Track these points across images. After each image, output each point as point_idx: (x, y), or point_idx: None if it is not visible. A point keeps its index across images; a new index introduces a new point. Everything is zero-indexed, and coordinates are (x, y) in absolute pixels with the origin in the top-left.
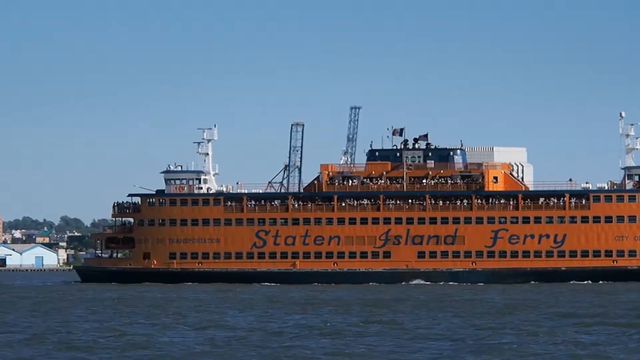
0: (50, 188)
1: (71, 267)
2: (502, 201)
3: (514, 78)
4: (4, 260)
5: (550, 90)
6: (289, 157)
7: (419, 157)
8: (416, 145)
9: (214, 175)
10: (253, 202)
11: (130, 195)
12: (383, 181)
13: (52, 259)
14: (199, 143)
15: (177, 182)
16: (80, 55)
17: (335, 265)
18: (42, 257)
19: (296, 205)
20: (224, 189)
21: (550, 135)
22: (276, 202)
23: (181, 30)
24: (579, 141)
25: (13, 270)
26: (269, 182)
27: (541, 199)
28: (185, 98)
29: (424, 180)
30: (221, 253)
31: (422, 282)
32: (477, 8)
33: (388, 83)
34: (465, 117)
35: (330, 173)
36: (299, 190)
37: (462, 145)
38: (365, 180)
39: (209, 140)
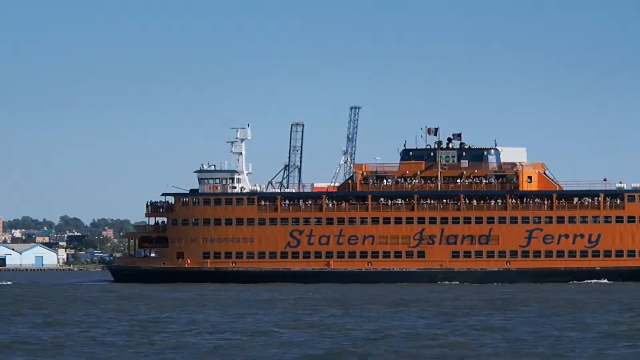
0: (51, 188)
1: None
2: (537, 201)
3: (522, 76)
4: (4, 259)
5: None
6: (289, 157)
7: (453, 156)
8: (450, 145)
9: (247, 174)
10: (287, 202)
11: (163, 194)
12: (417, 181)
13: (52, 259)
14: (232, 142)
15: (211, 181)
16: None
17: (369, 265)
18: (42, 256)
19: (330, 204)
20: (258, 189)
21: (565, 135)
22: (310, 202)
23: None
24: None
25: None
26: (269, 182)
27: (575, 199)
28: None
29: (458, 180)
30: (255, 253)
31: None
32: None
33: (390, 83)
34: (471, 114)
35: (364, 172)
36: (298, 190)
37: (496, 145)
38: (399, 179)
39: (242, 140)
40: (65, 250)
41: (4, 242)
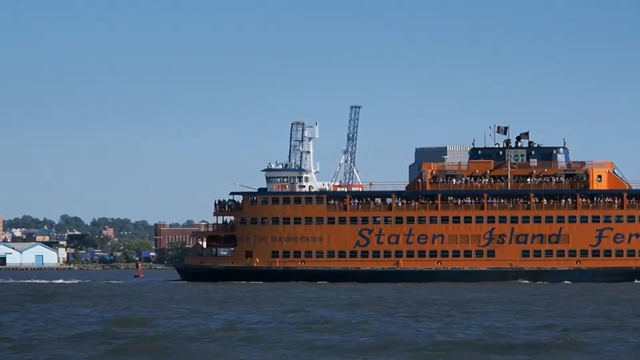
0: (52, 187)
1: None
2: (607, 200)
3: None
4: (4, 258)
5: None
6: (289, 156)
7: (522, 155)
8: (518, 144)
9: (314, 173)
10: (356, 201)
11: (232, 193)
12: (487, 179)
13: (52, 258)
14: (299, 141)
15: (279, 180)
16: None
17: (439, 264)
18: (42, 255)
19: (399, 203)
20: (327, 187)
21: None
22: (379, 201)
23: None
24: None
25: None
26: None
27: None
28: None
29: (528, 179)
30: (324, 252)
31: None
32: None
33: (393, 82)
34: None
35: (434, 171)
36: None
37: (565, 144)
38: (468, 178)
39: (310, 139)
40: (66, 250)
41: (5, 241)
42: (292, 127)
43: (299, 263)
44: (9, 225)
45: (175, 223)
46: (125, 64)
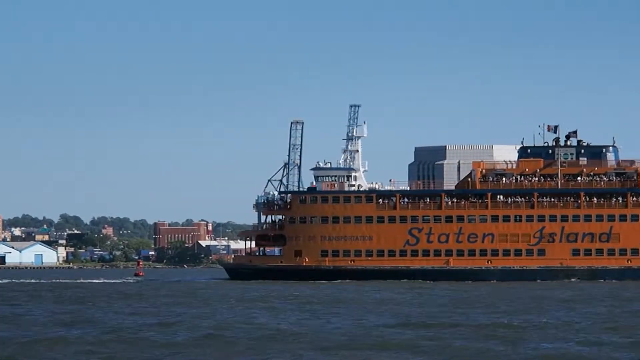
0: (51, 186)
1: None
2: None
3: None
4: (4, 257)
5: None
6: (289, 155)
7: (571, 154)
8: (568, 142)
9: (363, 172)
10: (406, 200)
11: (280, 192)
12: (536, 178)
13: (52, 257)
14: (348, 140)
15: (328, 179)
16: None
17: (489, 263)
18: (42, 254)
19: (449, 202)
20: (376, 186)
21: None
22: (429, 200)
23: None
24: None
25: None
26: (269, 180)
27: None
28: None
29: (579, 178)
30: (374, 251)
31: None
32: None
33: (392, 82)
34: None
35: (483, 170)
36: (298, 189)
37: (614, 142)
38: (518, 177)
39: (358, 137)
40: (65, 249)
41: (4, 240)
42: (291, 126)
43: (349, 262)
44: (9, 224)
45: (175, 222)
46: (125, 64)
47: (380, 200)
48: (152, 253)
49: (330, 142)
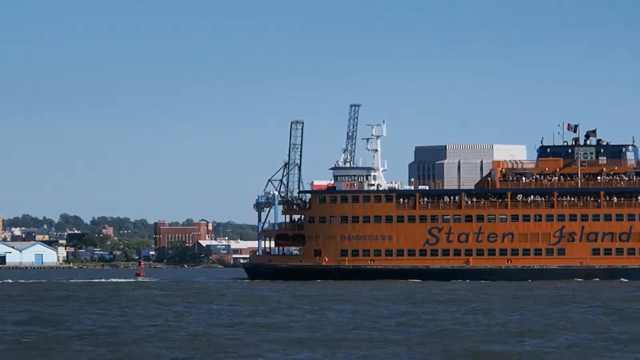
0: (52, 186)
1: (69, 265)
2: None
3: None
4: (4, 257)
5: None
6: (289, 155)
7: (591, 153)
8: (587, 142)
9: (382, 171)
10: (425, 199)
11: (300, 192)
12: (556, 177)
13: (52, 257)
14: (367, 139)
15: (347, 178)
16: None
17: (509, 262)
18: (42, 254)
19: (469, 202)
20: (396, 186)
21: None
22: (448, 199)
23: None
24: None
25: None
26: (269, 180)
27: None
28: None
29: (599, 177)
30: (393, 250)
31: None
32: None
33: (392, 81)
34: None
35: (503, 170)
36: (298, 188)
37: (634, 142)
38: (538, 176)
39: (377, 137)
40: (65, 249)
41: (4, 240)
42: (291, 125)
43: (368, 262)
44: (9, 224)
45: (175, 222)
46: (125, 64)
47: (400, 199)
48: (153, 253)
49: (330, 141)
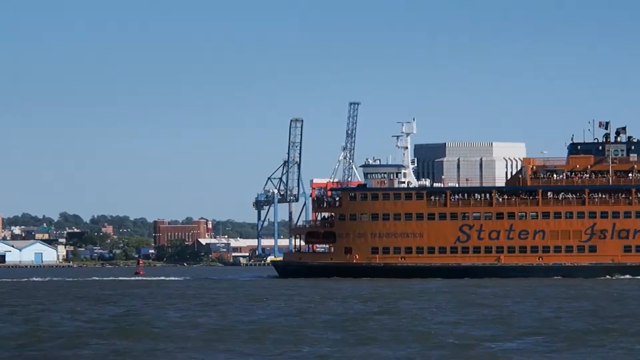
0: (51, 185)
1: (76, 264)
2: None
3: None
4: (4, 256)
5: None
6: (288, 153)
7: (622, 150)
8: (617, 139)
9: (412, 168)
10: (456, 197)
11: (330, 189)
12: (587, 175)
13: (52, 255)
14: (397, 137)
15: (377, 176)
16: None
17: (540, 259)
18: (42, 253)
19: (500, 199)
20: (427, 183)
21: None
22: (480, 196)
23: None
24: None
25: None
26: (268, 178)
27: None
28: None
29: (630, 174)
30: (424, 248)
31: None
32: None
33: (392, 80)
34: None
35: (534, 167)
36: (298, 187)
37: None
38: (568, 174)
39: (407, 134)
40: (65, 247)
41: (4, 239)
42: (290, 124)
43: (399, 259)
44: (8, 223)
45: (175, 220)
46: (124, 63)
47: (431, 197)
48: (152, 251)
49: (330, 139)
